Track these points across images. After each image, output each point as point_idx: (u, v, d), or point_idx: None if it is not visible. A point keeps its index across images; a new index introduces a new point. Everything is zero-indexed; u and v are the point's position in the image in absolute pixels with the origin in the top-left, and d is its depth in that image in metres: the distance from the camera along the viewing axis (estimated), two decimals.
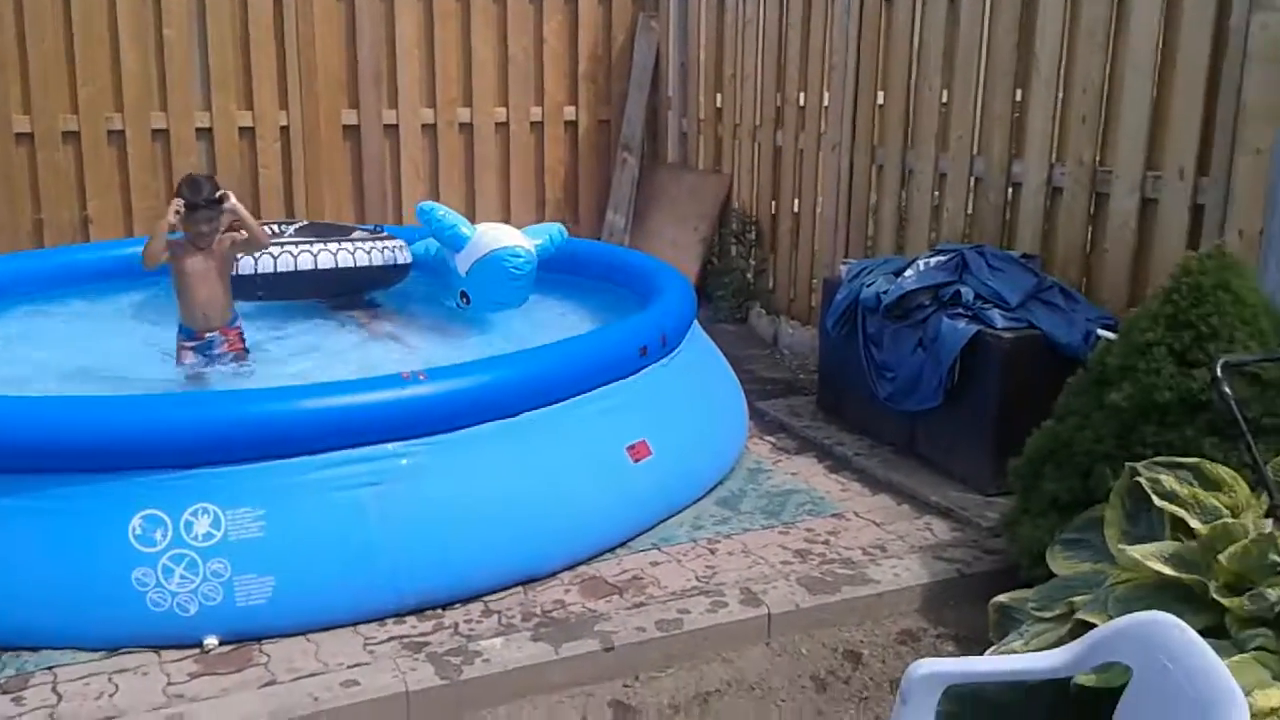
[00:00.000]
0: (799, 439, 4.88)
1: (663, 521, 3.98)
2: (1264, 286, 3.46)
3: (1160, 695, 2.08)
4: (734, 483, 4.37)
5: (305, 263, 5.11)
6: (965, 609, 3.54)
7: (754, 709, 3.11)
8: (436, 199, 7.43)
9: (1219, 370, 2.90)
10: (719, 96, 7.16)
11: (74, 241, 6.58)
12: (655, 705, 3.11)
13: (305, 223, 5.81)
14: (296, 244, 5.17)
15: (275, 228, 5.35)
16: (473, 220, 5.29)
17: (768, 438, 4.91)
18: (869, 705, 3.12)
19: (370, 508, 3.31)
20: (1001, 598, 3.16)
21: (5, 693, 2.95)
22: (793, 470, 4.53)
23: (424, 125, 7.40)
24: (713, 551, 3.80)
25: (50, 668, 3.05)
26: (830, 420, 5.02)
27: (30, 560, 3.11)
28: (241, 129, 6.96)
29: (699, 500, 4.17)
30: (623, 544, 3.81)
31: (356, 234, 5.47)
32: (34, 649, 3.11)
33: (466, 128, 7.49)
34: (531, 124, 7.64)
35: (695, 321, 4.81)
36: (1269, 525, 2.69)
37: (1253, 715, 2.36)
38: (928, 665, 2.28)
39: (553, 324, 5.07)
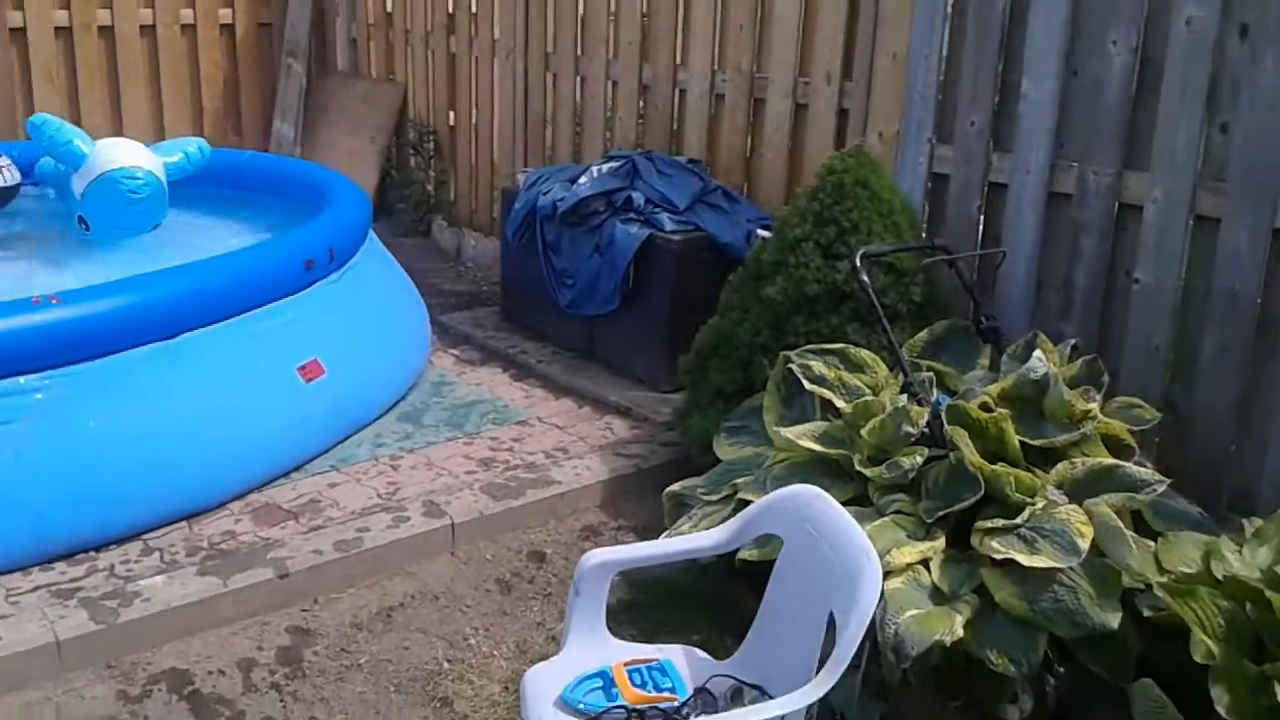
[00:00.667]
0: (483, 350, 4.86)
1: (341, 442, 3.85)
2: (901, 184, 3.75)
3: (807, 558, 2.24)
4: (416, 397, 4.30)
5: None
6: (643, 501, 3.68)
7: (438, 617, 3.10)
8: (77, 110, 6.71)
9: (857, 261, 3.11)
10: (388, 1, 6.85)
11: None
12: (336, 626, 3.03)
13: None
14: None
15: None
16: (119, 134, 4.75)
17: (451, 350, 4.85)
18: (552, 600, 3.19)
19: (4, 447, 2.99)
20: (674, 486, 3.31)
21: None
22: (477, 381, 4.51)
23: (57, 29, 6.62)
24: (395, 468, 3.73)
25: None
26: (514, 330, 5.02)
27: None
28: None
29: (380, 418, 4.07)
30: (298, 468, 3.66)
31: None
32: None
33: (107, 31, 6.77)
34: (183, 27, 7.01)
35: (371, 233, 4.64)
36: (903, 400, 2.95)
37: (891, 571, 2.61)
38: (597, 555, 2.35)
39: (217, 244, 4.72)
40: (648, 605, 3.17)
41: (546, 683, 2.24)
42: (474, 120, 6.28)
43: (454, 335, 5.03)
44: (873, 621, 2.49)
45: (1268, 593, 2.15)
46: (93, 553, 3.12)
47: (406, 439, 3.94)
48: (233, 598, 2.99)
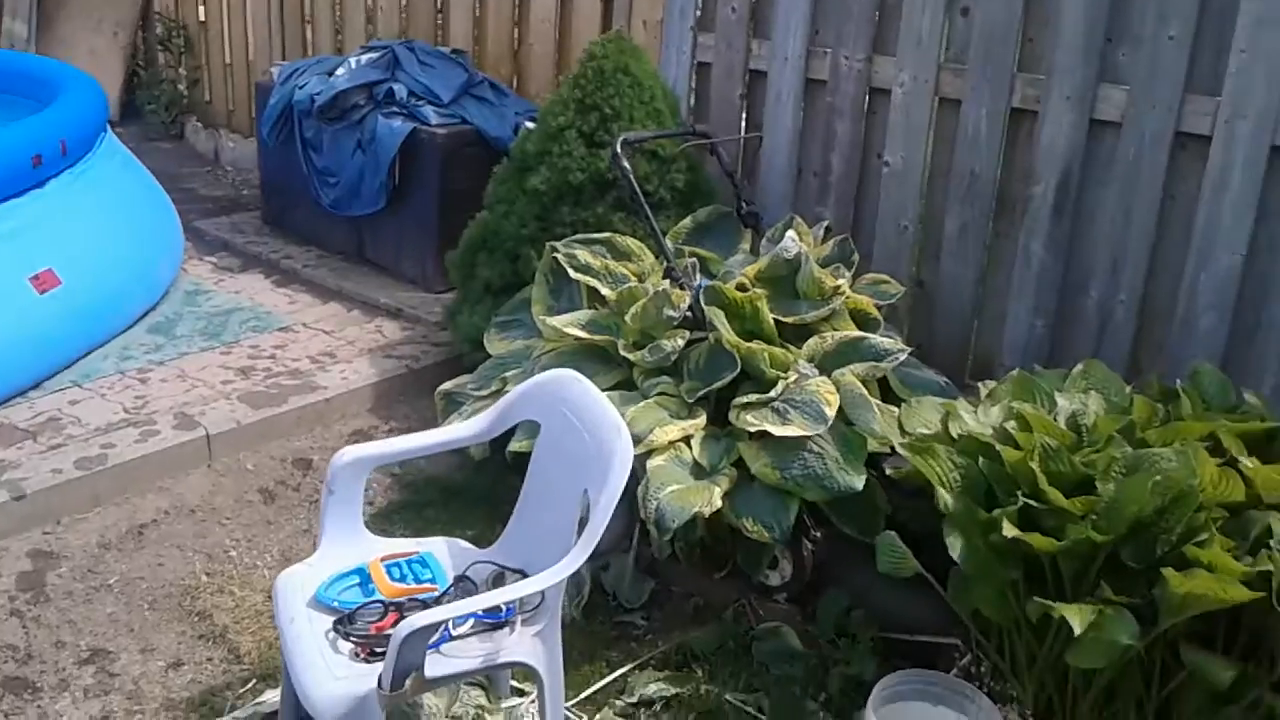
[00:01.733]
0: (243, 256, 4.61)
1: (83, 356, 3.59)
2: (665, 72, 3.73)
3: (564, 441, 2.23)
4: (168, 307, 4.04)
5: None
6: (416, 402, 3.61)
7: (195, 531, 2.96)
8: None
9: (618, 148, 3.08)
10: None
11: None
12: (81, 546, 2.85)
13: None
14: None
15: None
16: None
17: (208, 258, 4.58)
18: (319, 507, 3.07)
19: None
20: (445, 385, 3.24)
21: None
22: (236, 289, 4.28)
23: None
24: (144, 381, 3.51)
25: None
26: (277, 234, 4.78)
27: None
28: None
29: (127, 330, 3.82)
30: (35, 385, 3.40)
31: None
32: None
33: None
34: None
35: (110, 132, 4.29)
36: (665, 285, 2.96)
37: (655, 449, 2.65)
38: (350, 452, 2.27)
39: None
40: (421, 504, 3.12)
41: (299, 584, 2.17)
42: (225, 13, 5.86)
43: (211, 242, 4.74)
44: (636, 500, 2.55)
45: (997, 446, 2.29)
46: None
47: (157, 351, 3.71)
48: None
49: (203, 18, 6.03)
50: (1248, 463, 2.22)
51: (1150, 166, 2.86)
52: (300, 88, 4.45)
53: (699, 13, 3.76)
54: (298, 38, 5.49)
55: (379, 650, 2.00)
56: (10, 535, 2.85)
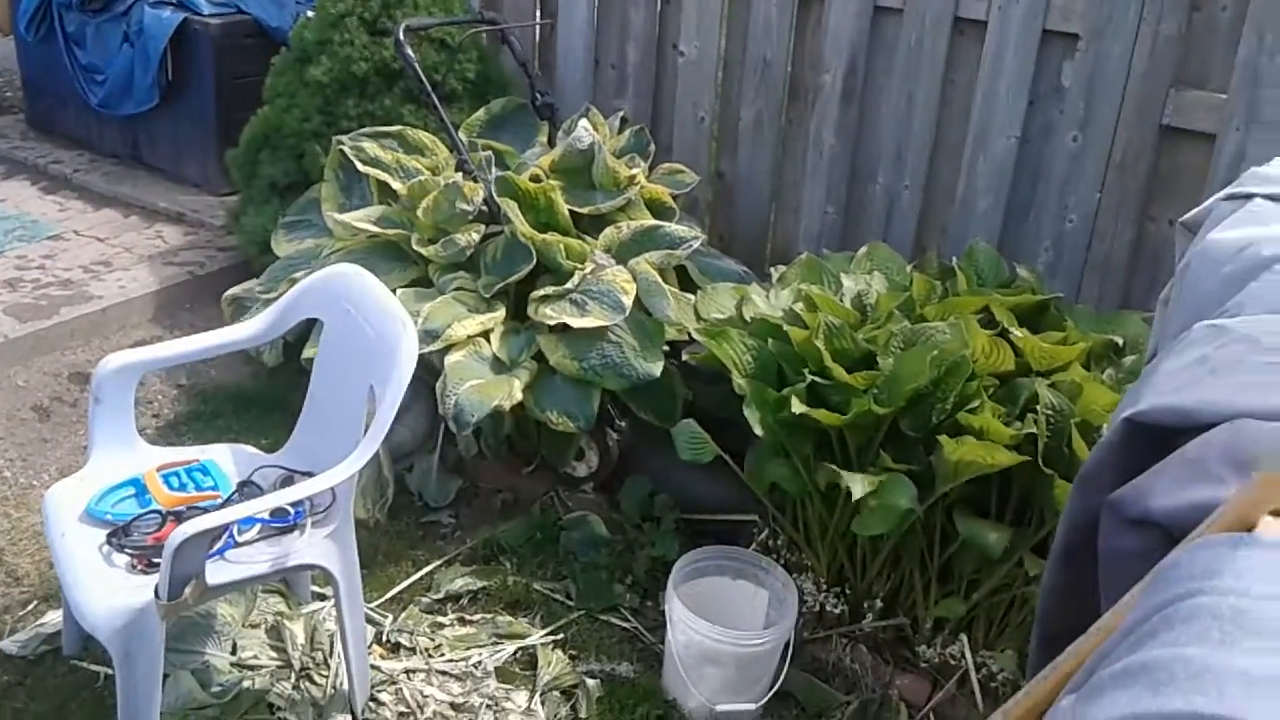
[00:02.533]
0: (7, 162, 4.26)
1: None
2: None
3: (348, 339, 2.15)
4: None
5: None
6: (203, 310, 3.43)
7: None
8: None
9: (400, 35, 2.95)
10: None
11: None
12: None
13: None
14: None
15: None
16: None
17: None
18: None
19: None
20: (233, 290, 3.09)
21: None
22: (1, 197, 3.95)
23: None
24: None
25: None
26: (44, 138, 4.43)
27: None
28: None
29: None
30: None
31: None
32: None
33: None
34: None
35: None
36: (458, 179, 2.88)
37: (453, 345, 2.59)
38: (116, 359, 2.13)
39: None
40: (211, 415, 2.99)
41: (70, 498, 2.05)
42: None
43: None
44: (437, 398, 2.51)
45: (786, 327, 2.35)
46: None
47: None
48: None
49: None
50: (1018, 333, 2.34)
51: (931, 53, 2.93)
52: None
53: None
54: None
55: (156, 561, 1.91)
56: None
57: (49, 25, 4.17)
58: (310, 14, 3.47)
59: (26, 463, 2.76)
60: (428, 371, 2.51)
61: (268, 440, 2.75)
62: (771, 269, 2.77)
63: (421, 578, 2.49)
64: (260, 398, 3.02)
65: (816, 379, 2.18)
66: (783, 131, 3.26)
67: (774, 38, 3.17)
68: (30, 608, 2.32)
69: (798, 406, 2.13)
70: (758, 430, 2.21)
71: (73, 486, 2.09)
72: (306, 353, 2.71)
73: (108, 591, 1.86)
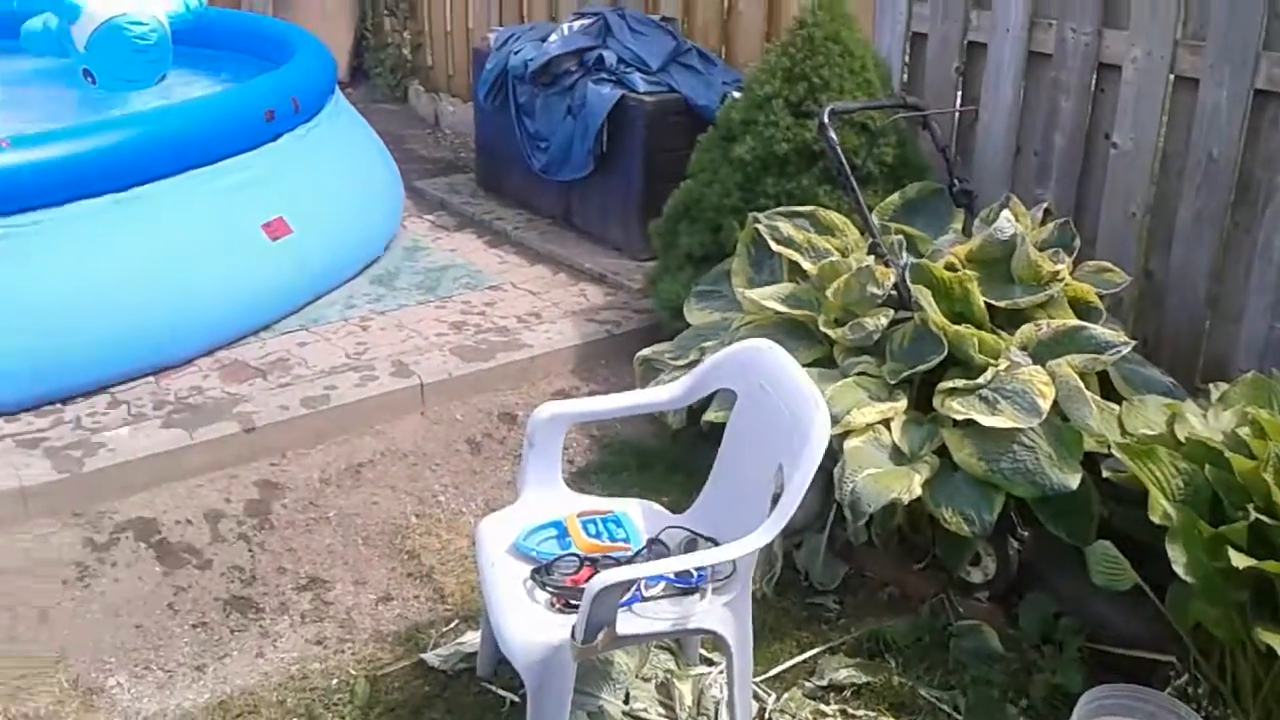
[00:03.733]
0: (458, 216, 4.80)
1: (311, 303, 3.83)
2: (878, 43, 3.65)
3: (759, 411, 2.24)
4: (389, 261, 4.25)
5: None
6: (615, 366, 3.68)
7: (407, 473, 3.12)
8: None
9: (825, 118, 3.03)
10: None
11: None
12: (304, 480, 3.06)
13: None
14: None
15: None
16: None
17: (427, 216, 4.79)
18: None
19: None
20: (644, 351, 3.29)
21: None
22: (451, 247, 4.47)
23: None
24: (365, 329, 3.71)
25: None
26: (490, 196, 4.95)
27: None
28: None
29: (351, 280, 4.04)
30: (267, 327, 3.64)
31: None
32: None
33: None
34: None
35: (338, 92, 4.53)
36: (869, 262, 2.91)
37: (851, 431, 2.62)
38: (550, 408, 2.34)
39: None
40: (617, 467, 3.19)
41: (500, 531, 2.26)
42: None
43: (429, 201, 4.96)
44: (832, 480, 2.53)
45: (1228, 454, 2.15)
46: (59, 405, 3.12)
47: (377, 301, 3.91)
48: (199, 450, 3.01)
49: None
50: None
51: None
52: (515, 54, 4.57)
53: None
54: (514, 4, 5.64)
55: (573, 602, 2.07)
56: (240, 464, 3.07)
57: (504, 96, 4.68)
58: (737, 95, 3.66)
59: (458, 490, 3.08)
60: (824, 453, 2.54)
61: (668, 498, 2.90)
62: (1210, 386, 2.56)
63: (804, 660, 2.51)
64: (663, 456, 3.19)
65: (1262, 518, 1.98)
66: (1225, 233, 3.02)
67: (1222, 132, 2.95)
68: (452, 625, 2.58)
69: (1239, 559, 1.94)
70: (1182, 573, 2.03)
71: (503, 520, 2.31)
72: (708, 417, 2.84)
73: (529, 625, 2.04)
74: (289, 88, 3.96)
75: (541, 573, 2.15)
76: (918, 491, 2.46)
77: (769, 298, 2.97)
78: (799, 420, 2.07)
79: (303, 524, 2.89)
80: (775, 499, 2.05)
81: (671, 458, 3.17)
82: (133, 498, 2.90)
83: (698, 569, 2.12)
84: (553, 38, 4.44)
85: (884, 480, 2.48)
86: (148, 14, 4.37)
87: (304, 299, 3.79)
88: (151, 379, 3.29)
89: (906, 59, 3.75)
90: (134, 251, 3.29)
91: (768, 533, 1.99)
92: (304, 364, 3.45)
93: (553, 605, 2.10)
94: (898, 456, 2.58)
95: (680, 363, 3.10)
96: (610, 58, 4.26)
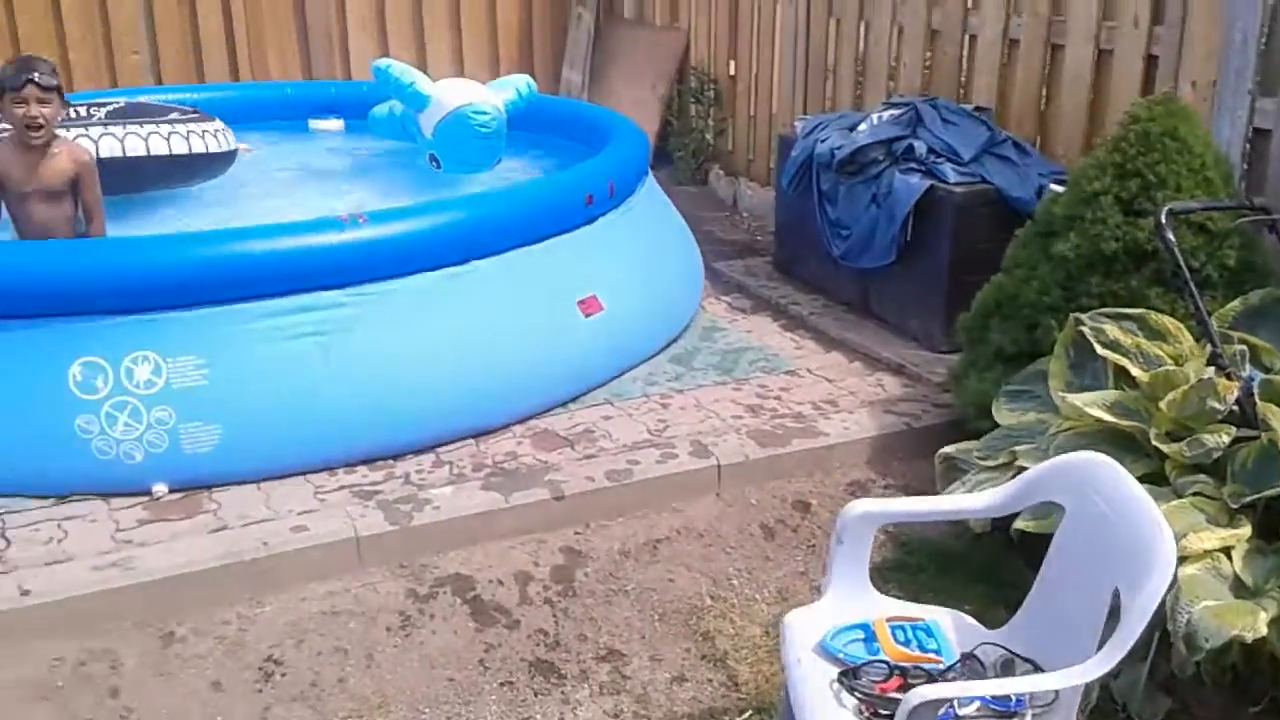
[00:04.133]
0: (755, 299, 4.88)
1: (616, 378, 3.98)
2: (1216, 138, 3.44)
3: (1092, 530, 2.13)
4: (688, 340, 4.37)
5: (107, 149, 4.17)
6: (913, 461, 3.60)
7: (702, 553, 3.16)
8: (386, 55, 7.18)
9: (1163, 218, 2.88)
10: None
11: None
12: (605, 550, 3.16)
13: (122, 103, 4.72)
14: (103, 127, 4.25)
15: (81, 110, 4.35)
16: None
17: (724, 298, 4.90)
18: (816, 552, 3.18)
19: (315, 356, 3.28)
20: (948, 449, 3.20)
21: None
22: (747, 329, 4.54)
23: None
24: (665, 406, 3.82)
25: None
26: (787, 280, 5.00)
27: None
28: None
29: (652, 357, 4.17)
30: (574, 399, 3.81)
31: (173, 114, 4.55)
32: None
33: None
34: None
35: (650, 177, 4.74)
36: (1210, 373, 2.72)
37: (1188, 558, 2.44)
38: (862, 506, 2.31)
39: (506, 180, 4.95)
40: (915, 567, 3.11)
41: (807, 628, 2.25)
42: (754, 68, 6.25)
43: (727, 283, 5.07)
44: (1162, 608, 2.36)
45: None
46: (391, 460, 3.39)
47: (677, 380, 4.02)
48: (512, 513, 3.17)
49: (733, 72, 6.48)
50: None
51: None
52: (821, 142, 4.63)
53: (1259, 75, 3.43)
54: (819, 92, 5.72)
55: (882, 711, 2.02)
56: (548, 530, 3.22)
57: (807, 182, 4.73)
58: (1059, 189, 3.54)
59: (751, 576, 3.09)
60: None
61: (970, 606, 2.78)
62: None
63: None
64: (965, 561, 3.08)
65: None
66: None
67: None
68: (745, 715, 2.57)
69: None
70: None
71: (809, 617, 2.29)
72: (1020, 525, 2.72)
73: None
74: (607, 173, 4.18)
75: (849, 676, 2.12)
76: (1264, 631, 2.25)
77: (1092, 404, 2.82)
78: (1140, 544, 1.95)
79: (603, 594, 2.98)
80: (1108, 626, 1.93)
81: (974, 564, 3.05)
82: (452, 553, 3.09)
83: (1018, 694, 2.02)
84: (861, 127, 4.47)
85: (1225, 615, 2.28)
86: (490, 103, 4.74)
87: (610, 374, 3.95)
88: (471, 442, 3.51)
89: (1247, 157, 3.52)
90: (462, 322, 3.54)
91: (1103, 664, 1.87)
92: (608, 437, 3.58)
93: (861, 712, 2.05)
94: (1240, 589, 2.38)
95: (989, 464, 2.99)
96: (920, 148, 4.24)
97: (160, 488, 3.14)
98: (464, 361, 3.49)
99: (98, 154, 3.99)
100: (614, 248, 4.11)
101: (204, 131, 4.47)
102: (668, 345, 4.28)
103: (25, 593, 2.72)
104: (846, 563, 2.35)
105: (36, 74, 3.41)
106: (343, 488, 3.24)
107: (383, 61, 4.85)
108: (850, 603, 2.32)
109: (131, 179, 4.30)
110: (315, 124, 5.91)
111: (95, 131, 4.18)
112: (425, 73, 6.83)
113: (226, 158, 4.62)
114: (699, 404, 3.84)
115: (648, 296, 4.18)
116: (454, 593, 2.96)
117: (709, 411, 3.78)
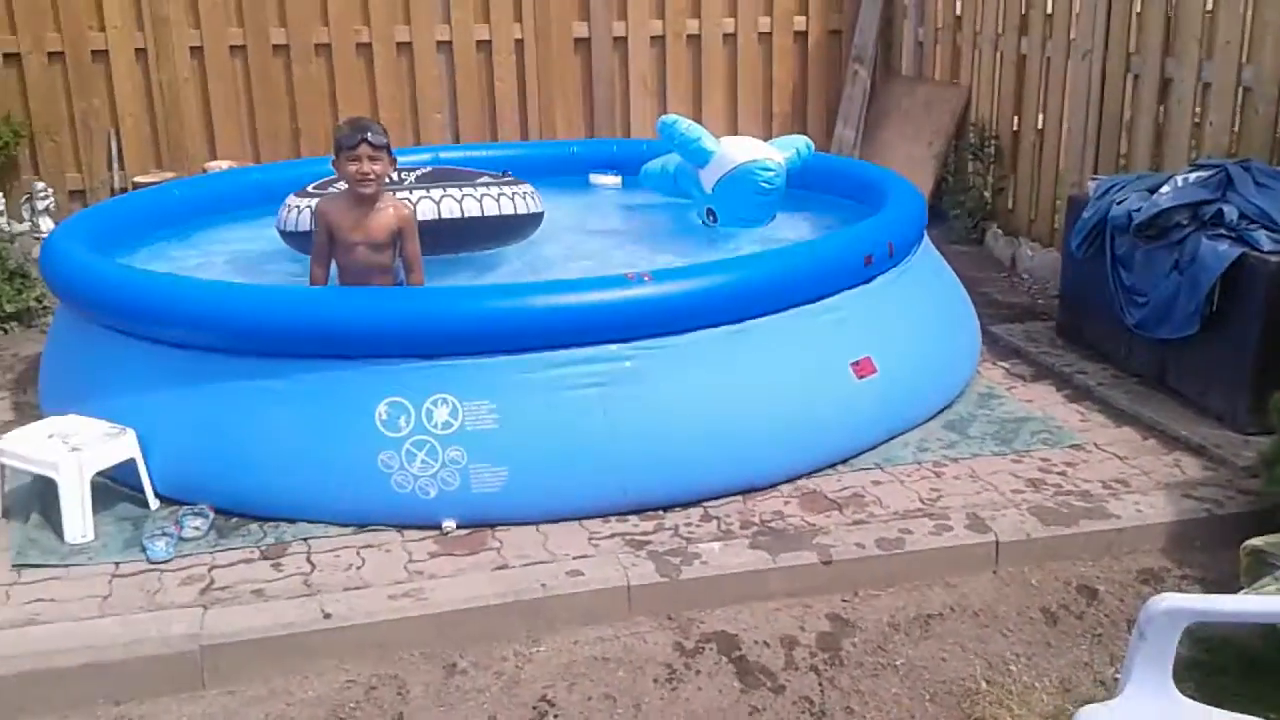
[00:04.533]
0: (1035, 365, 4.66)
1: (886, 441, 3.89)
2: None
3: None
4: (963, 407, 4.22)
5: (425, 212, 4.31)
6: (1214, 551, 3.31)
7: (977, 633, 3.02)
8: (664, 113, 7.42)
9: None
10: (958, 3, 6.80)
11: (327, 152, 6.90)
12: (874, 621, 3.07)
13: (429, 168, 5.03)
14: (418, 191, 4.43)
15: (393, 174, 4.38)
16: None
17: (1001, 363, 4.70)
18: (1103, 642, 2.98)
19: (596, 407, 3.39)
20: (1256, 541, 2.93)
21: (266, 558, 3.21)
22: (1027, 398, 4.33)
23: (652, 37, 7.39)
24: (938, 474, 3.69)
25: (305, 539, 3.30)
26: (1070, 347, 4.75)
27: (290, 439, 3.36)
28: (479, 42, 7.14)
29: (925, 422, 4.05)
30: (844, 461, 3.75)
31: (483, 179, 4.70)
32: (291, 521, 3.38)
33: (694, 39, 7.42)
34: (759, 35, 7.50)
35: (925, 236, 4.64)
36: None
37: None
38: (1170, 600, 2.15)
39: (780, 238, 4.98)
40: (1215, 668, 2.82)
41: None
42: (1040, 125, 6.02)
43: (1004, 348, 4.87)
44: None
45: None
46: (660, 511, 3.44)
47: (951, 447, 3.88)
48: (779, 574, 3.15)
49: (1016, 128, 6.27)
50: None
51: None
52: (1117, 203, 4.38)
53: None
54: (1112, 151, 5.44)
55: None
56: (815, 595, 3.16)
57: (1098, 246, 4.49)
58: None
59: (1030, 662, 2.92)
60: None
61: (1275, 716, 2.53)
62: None
63: None
64: (1274, 668, 2.78)
65: None
66: None
67: None
68: None
69: None
70: None
71: (1105, 716, 2.14)
72: None
73: None
74: (886, 233, 4.13)
75: None
76: None
77: None
78: None
79: (871, 667, 2.90)
80: None
81: None
82: (718, 610, 3.10)
83: None
84: (1164, 189, 4.20)
85: None
86: (775, 161, 4.80)
87: (880, 437, 3.87)
88: (739, 499, 3.52)
89: None
90: (737, 379, 3.57)
91: None
92: (878, 503, 3.50)
93: None
94: None
95: None
96: (1230, 213, 3.93)
97: (449, 523, 3.32)
98: (737, 418, 3.51)
99: (438, 214, 4.27)
100: (890, 309, 4.04)
101: (515, 194, 4.60)
102: (941, 410, 4.15)
103: (327, 616, 2.93)
104: (1148, 661, 2.19)
105: (369, 133, 3.74)
106: (615, 535, 3.32)
107: (669, 117, 5.00)
108: (1150, 704, 2.16)
109: (450, 240, 4.49)
110: (596, 179, 6.16)
111: (415, 195, 4.38)
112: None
113: (535, 219, 4.74)
114: (974, 474, 3.69)
115: (922, 359, 4.08)
116: (720, 650, 2.95)
117: (986, 483, 3.63)
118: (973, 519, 3.39)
